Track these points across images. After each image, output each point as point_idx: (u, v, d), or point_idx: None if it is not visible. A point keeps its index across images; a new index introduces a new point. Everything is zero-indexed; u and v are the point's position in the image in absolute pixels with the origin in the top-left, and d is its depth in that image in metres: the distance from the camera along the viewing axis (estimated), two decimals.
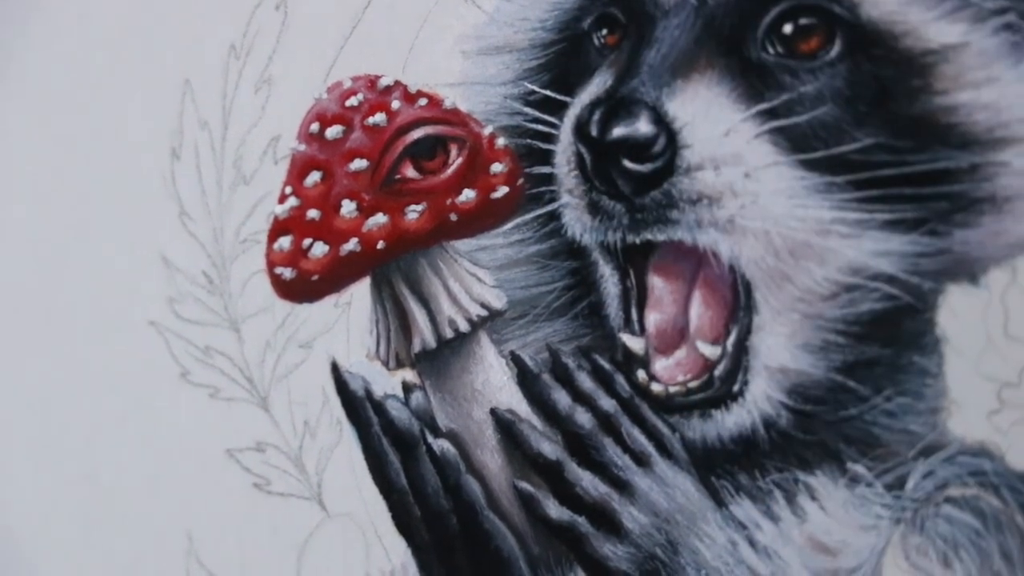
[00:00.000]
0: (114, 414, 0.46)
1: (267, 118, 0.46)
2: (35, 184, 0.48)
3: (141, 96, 0.47)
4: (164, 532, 0.46)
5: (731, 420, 0.43)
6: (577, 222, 0.44)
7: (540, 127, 0.44)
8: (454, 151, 0.44)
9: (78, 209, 0.47)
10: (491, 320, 0.44)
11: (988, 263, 0.41)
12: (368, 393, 0.44)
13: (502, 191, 0.44)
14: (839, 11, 0.41)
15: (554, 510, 0.43)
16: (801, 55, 0.41)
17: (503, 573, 0.43)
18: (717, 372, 0.43)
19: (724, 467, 0.43)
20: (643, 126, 0.41)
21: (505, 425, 0.44)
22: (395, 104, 0.44)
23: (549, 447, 0.44)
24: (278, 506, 0.45)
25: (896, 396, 0.42)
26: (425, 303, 0.44)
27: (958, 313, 0.41)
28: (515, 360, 0.45)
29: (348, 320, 0.45)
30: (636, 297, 0.44)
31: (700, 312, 0.43)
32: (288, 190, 0.44)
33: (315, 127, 0.44)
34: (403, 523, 0.44)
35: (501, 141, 0.44)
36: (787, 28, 0.41)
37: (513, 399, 0.44)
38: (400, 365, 0.44)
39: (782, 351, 0.42)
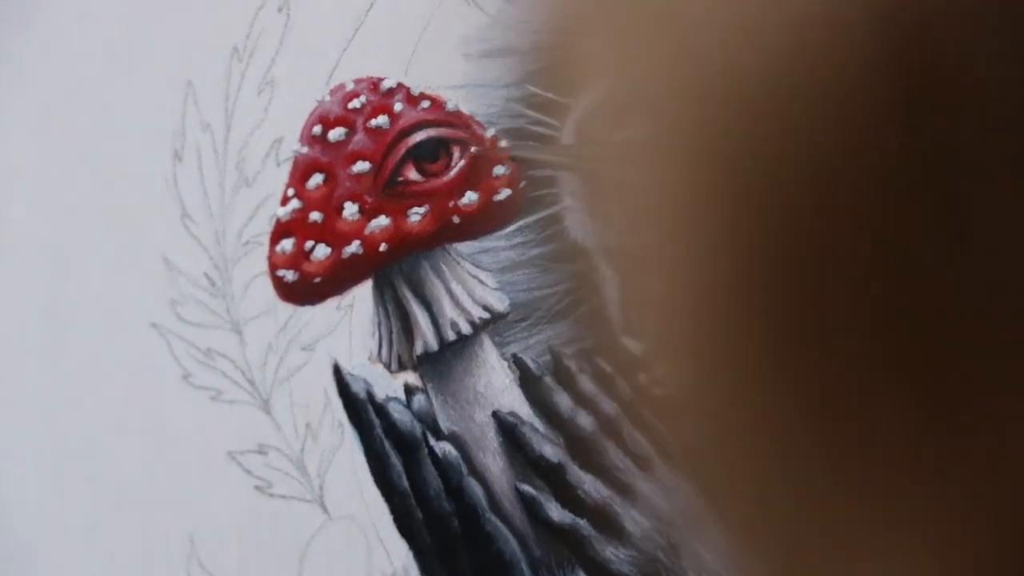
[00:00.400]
0: (115, 416, 0.46)
1: (270, 120, 0.46)
2: (36, 185, 0.48)
3: (143, 98, 0.47)
4: (165, 534, 0.46)
5: None
6: (579, 225, 0.44)
7: (542, 129, 0.44)
8: (456, 153, 0.44)
9: (79, 211, 0.47)
10: (493, 323, 0.44)
11: None
12: (370, 396, 0.44)
13: (504, 193, 0.44)
14: None
15: (556, 513, 0.43)
16: None
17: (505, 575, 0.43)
18: None
19: None
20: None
21: (507, 428, 0.44)
22: (398, 106, 0.44)
23: (551, 450, 0.44)
24: (280, 509, 0.45)
25: None
26: (427, 305, 0.44)
27: None
28: (517, 363, 0.45)
29: (350, 323, 0.45)
30: (638, 300, 0.44)
31: None
32: (290, 192, 0.44)
33: (318, 129, 0.44)
34: (405, 526, 0.44)
35: (503, 144, 0.44)
36: None
37: (515, 402, 0.44)
38: (402, 368, 0.44)
39: None
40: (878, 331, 0.18)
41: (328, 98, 0.44)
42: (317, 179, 0.44)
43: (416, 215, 0.43)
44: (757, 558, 0.21)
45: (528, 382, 0.44)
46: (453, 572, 0.43)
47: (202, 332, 0.46)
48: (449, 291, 0.44)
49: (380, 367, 0.45)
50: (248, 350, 0.46)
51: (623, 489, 0.43)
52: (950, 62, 0.16)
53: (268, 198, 0.45)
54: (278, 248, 0.44)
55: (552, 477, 0.43)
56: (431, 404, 0.45)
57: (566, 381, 0.44)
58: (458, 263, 0.44)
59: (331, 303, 0.45)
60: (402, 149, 0.43)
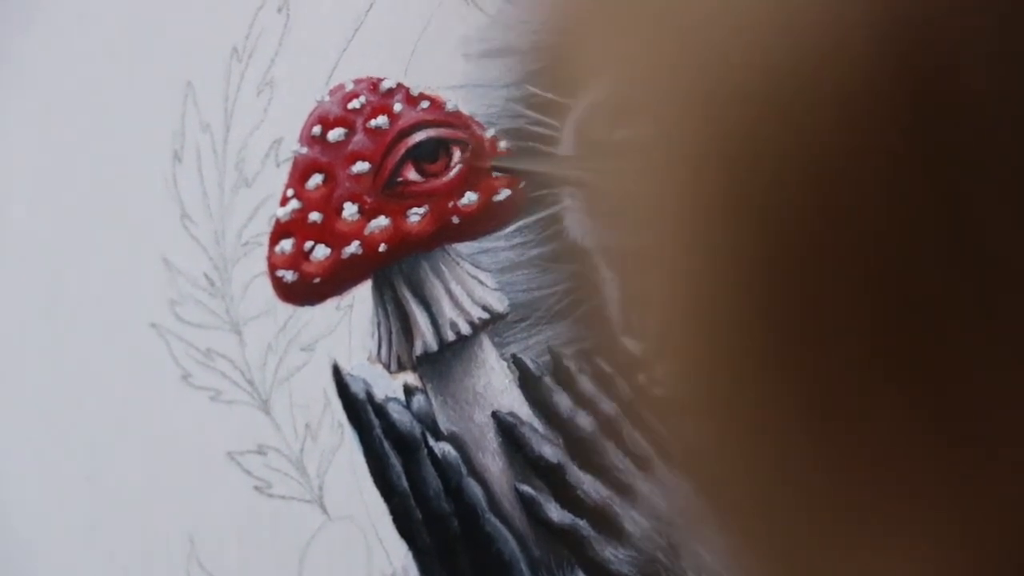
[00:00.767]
0: (115, 416, 0.46)
1: (269, 120, 0.46)
2: (35, 185, 0.48)
3: (142, 98, 0.47)
4: (165, 534, 0.46)
5: None
6: (579, 225, 0.44)
7: (542, 130, 0.44)
8: (456, 154, 0.44)
9: (79, 211, 0.47)
10: (493, 323, 0.44)
11: None
12: (369, 396, 0.44)
13: (504, 194, 0.44)
14: None
15: (555, 513, 0.43)
16: None
17: None
18: None
19: None
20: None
21: (507, 428, 0.44)
22: (397, 107, 0.44)
23: (550, 450, 0.44)
24: (279, 509, 0.45)
25: None
26: (427, 306, 0.44)
27: None
28: (517, 363, 0.45)
29: (350, 323, 0.45)
30: (638, 301, 0.44)
31: None
32: (290, 193, 0.44)
33: (317, 130, 0.44)
34: (404, 526, 0.44)
35: (503, 143, 0.44)
36: None
37: (515, 402, 0.44)
38: (402, 368, 0.44)
39: None
40: (878, 332, 0.18)
41: (327, 98, 0.44)
42: (316, 179, 0.44)
43: (415, 215, 0.43)
44: (757, 558, 0.21)
45: (527, 382, 0.44)
46: (453, 572, 0.43)
47: (201, 332, 0.46)
48: (448, 291, 0.44)
49: (379, 367, 0.45)
50: (247, 350, 0.46)
51: (623, 489, 0.43)
52: (954, 62, 0.16)
53: (267, 198, 0.45)
54: (277, 248, 0.44)
55: (552, 477, 0.43)
56: (430, 404, 0.45)
57: (566, 381, 0.44)
58: (457, 263, 0.44)
59: (330, 303, 0.45)
60: (401, 149, 0.43)
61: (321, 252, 0.43)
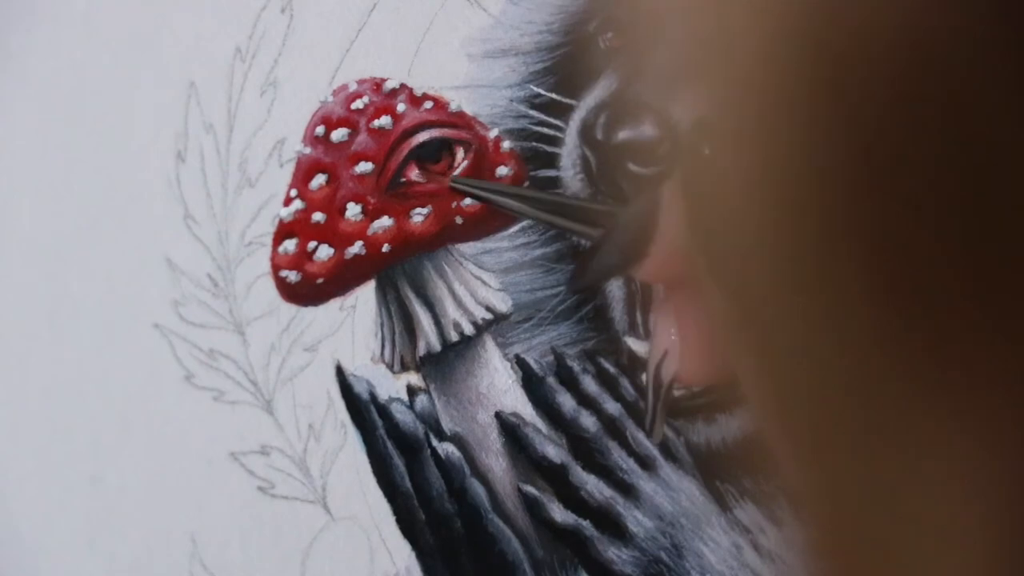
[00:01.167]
0: (118, 417, 0.46)
1: (272, 121, 0.46)
2: (39, 186, 0.48)
3: (146, 99, 0.47)
4: (168, 535, 0.46)
5: (736, 424, 0.43)
6: None
7: (546, 130, 0.44)
8: (459, 154, 0.44)
9: (82, 212, 0.47)
10: (496, 323, 0.44)
11: None
12: (373, 396, 0.44)
13: None
14: None
15: (559, 513, 0.43)
16: None
17: None
18: None
19: (728, 471, 0.43)
20: (648, 129, 0.41)
21: (510, 428, 0.44)
22: (400, 107, 0.44)
23: (554, 450, 0.44)
24: (282, 509, 0.45)
25: None
26: (430, 306, 0.44)
27: None
28: (520, 363, 0.45)
29: (353, 323, 0.45)
30: (641, 300, 0.44)
31: None
32: (293, 193, 0.44)
33: (320, 130, 0.44)
34: (408, 526, 0.44)
35: (507, 144, 0.44)
36: None
37: (518, 402, 0.44)
38: (405, 368, 0.44)
39: None
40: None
41: (331, 99, 0.45)
42: (320, 180, 0.44)
43: (419, 216, 0.43)
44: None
45: (531, 383, 0.44)
46: (455, 573, 0.43)
47: (205, 333, 0.46)
48: (452, 292, 0.44)
49: (383, 368, 0.45)
50: (251, 351, 0.46)
51: (626, 490, 0.43)
52: None
53: (271, 199, 0.45)
54: (281, 249, 0.44)
55: (555, 478, 0.43)
56: (434, 405, 0.44)
57: (569, 382, 0.44)
58: (461, 264, 0.44)
59: (334, 304, 0.45)
60: (405, 150, 0.43)
61: (324, 252, 0.43)
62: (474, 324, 0.44)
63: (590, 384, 0.44)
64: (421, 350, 0.44)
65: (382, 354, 0.44)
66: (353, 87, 0.44)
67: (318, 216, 0.43)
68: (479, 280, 0.44)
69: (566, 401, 0.44)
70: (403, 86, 0.44)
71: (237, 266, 0.46)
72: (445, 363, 0.44)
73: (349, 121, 0.44)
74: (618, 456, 0.43)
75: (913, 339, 0.18)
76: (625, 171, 0.41)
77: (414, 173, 0.43)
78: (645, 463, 0.43)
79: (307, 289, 0.44)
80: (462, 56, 0.45)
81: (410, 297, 0.44)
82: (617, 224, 0.27)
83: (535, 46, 0.45)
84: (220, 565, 0.45)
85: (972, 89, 0.17)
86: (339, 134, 0.44)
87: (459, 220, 0.43)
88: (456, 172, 0.43)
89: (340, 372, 0.45)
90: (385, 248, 0.43)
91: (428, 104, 0.44)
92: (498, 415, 0.44)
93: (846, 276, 0.18)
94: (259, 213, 0.45)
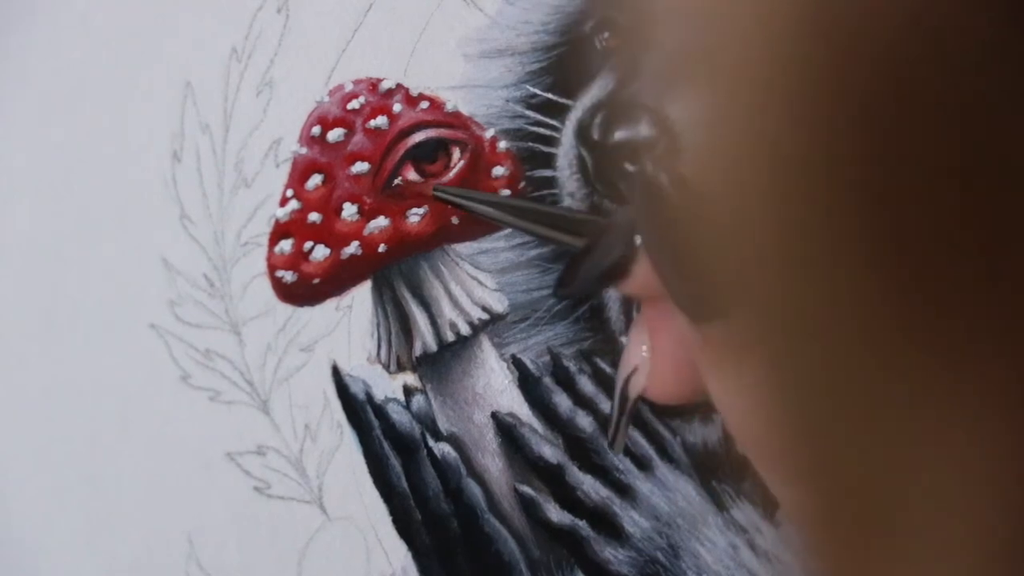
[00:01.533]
0: (114, 417, 0.46)
1: (268, 121, 0.46)
2: (35, 186, 0.48)
3: (142, 99, 0.47)
4: (164, 535, 0.46)
5: None
6: None
7: (542, 130, 0.44)
8: (456, 154, 0.44)
9: (78, 212, 0.47)
10: (492, 323, 0.44)
11: None
12: (369, 396, 0.44)
13: (504, 194, 0.44)
14: None
15: (555, 514, 0.43)
16: None
17: None
18: None
19: (725, 471, 0.43)
20: (645, 129, 0.41)
21: (506, 429, 0.44)
22: (397, 107, 0.44)
23: (550, 451, 0.44)
24: (278, 510, 0.45)
25: None
26: (426, 306, 0.44)
27: None
28: (516, 364, 0.45)
29: (349, 323, 0.45)
30: (638, 301, 0.44)
31: None
32: (289, 193, 0.44)
33: (316, 130, 0.44)
34: (404, 527, 0.44)
35: (503, 144, 0.44)
36: None
37: (514, 403, 0.44)
38: (401, 368, 0.44)
39: None
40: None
41: (327, 99, 0.44)
42: (316, 180, 0.44)
43: (415, 216, 0.43)
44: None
45: (527, 383, 0.44)
46: (452, 573, 0.43)
47: (201, 333, 0.46)
48: (448, 292, 0.44)
49: (379, 368, 0.45)
50: (247, 351, 0.46)
51: (622, 490, 0.43)
52: None
53: (267, 199, 0.45)
54: (277, 249, 0.44)
55: (551, 478, 0.43)
56: (430, 405, 0.44)
57: (565, 382, 0.44)
58: (457, 264, 0.44)
59: (330, 304, 0.45)
60: (401, 150, 0.43)
61: (320, 252, 0.43)
62: (470, 324, 0.44)
63: (586, 384, 0.44)
64: (417, 350, 0.44)
65: (378, 354, 0.44)
66: (349, 87, 0.44)
67: (314, 216, 0.43)
68: (475, 280, 0.44)
69: (562, 401, 0.44)
70: (399, 86, 0.44)
71: (233, 266, 0.46)
72: (441, 363, 0.44)
73: (345, 121, 0.44)
74: (614, 456, 0.43)
75: (928, 345, 0.18)
76: (621, 171, 0.41)
77: (410, 173, 0.43)
78: (641, 463, 0.43)
79: (303, 289, 0.44)
80: (458, 56, 0.45)
81: (406, 297, 0.44)
82: (600, 238, 0.27)
83: (531, 46, 0.45)
84: (217, 565, 0.45)
85: (982, 88, 0.17)
86: (335, 134, 0.44)
87: (455, 220, 0.43)
88: (452, 173, 0.43)
89: (336, 372, 0.45)
90: (381, 248, 0.43)
91: (424, 104, 0.44)
92: (494, 415, 0.44)
93: (857, 280, 0.18)
94: (255, 213, 0.45)
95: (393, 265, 0.44)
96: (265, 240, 0.45)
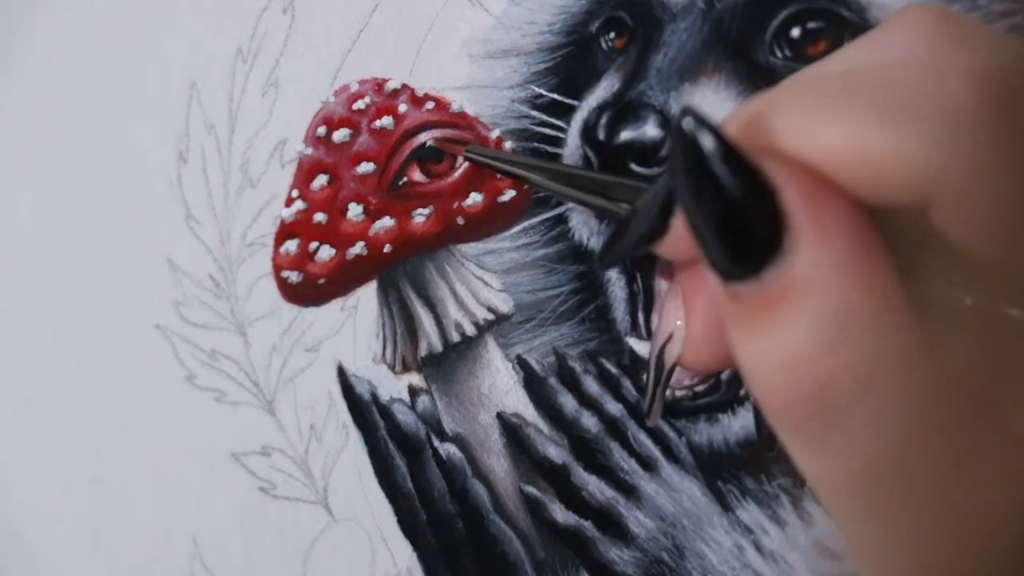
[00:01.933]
0: (120, 417, 0.46)
1: (274, 121, 0.46)
2: (40, 186, 0.48)
3: (147, 99, 0.47)
4: (169, 535, 0.46)
5: (738, 424, 0.43)
6: (584, 226, 0.44)
7: (547, 130, 0.44)
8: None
9: (84, 212, 0.47)
10: (498, 324, 0.44)
11: None
12: (374, 397, 0.44)
13: (509, 195, 0.44)
14: (848, 15, 0.41)
15: (560, 514, 0.43)
16: (809, 59, 0.41)
17: None
18: (724, 376, 0.43)
19: (730, 471, 0.43)
20: (650, 130, 0.41)
21: (511, 429, 0.44)
22: (402, 107, 0.44)
23: (555, 451, 0.44)
24: (284, 510, 0.45)
25: None
26: (432, 307, 0.44)
27: None
28: (521, 364, 0.45)
29: (354, 324, 0.45)
30: (643, 301, 0.44)
31: None
32: (295, 194, 0.44)
33: (322, 130, 0.44)
34: (409, 527, 0.44)
35: (508, 144, 0.44)
36: (795, 32, 0.41)
37: (519, 403, 0.44)
38: (406, 369, 0.44)
39: None
40: None
41: (332, 99, 0.45)
42: (321, 180, 0.44)
43: (420, 216, 0.43)
44: None
45: (532, 383, 0.44)
46: (457, 574, 0.43)
47: (206, 333, 0.46)
48: (453, 292, 0.44)
49: (384, 368, 0.45)
50: (252, 351, 0.46)
51: (628, 490, 0.43)
52: None
53: (272, 199, 0.45)
54: (282, 249, 0.44)
55: (556, 478, 0.43)
56: (435, 405, 0.44)
57: (570, 382, 0.44)
58: (462, 264, 0.44)
59: (335, 304, 0.45)
60: (406, 150, 0.43)
61: (326, 253, 0.43)
62: (476, 325, 0.44)
63: (592, 385, 0.44)
64: (423, 351, 0.44)
65: (384, 355, 0.44)
66: (355, 87, 0.44)
67: (320, 217, 0.43)
68: (481, 281, 0.44)
69: (568, 402, 0.44)
70: (405, 86, 0.44)
71: (239, 267, 0.46)
72: (447, 364, 0.44)
73: (351, 122, 0.44)
74: (619, 457, 0.43)
75: None
76: (627, 171, 0.41)
77: (416, 173, 0.43)
78: (647, 464, 0.43)
79: (308, 290, 0.44)
80: (464, 57, 0.45)
81: (412, 298, 0.44)
82: (641, 201, 0.27)
83: (537, 47, 0.45)
84: (221, 566, 0.45)
85: None
86: (341, 134, 0.44)
87: (461, 221, 0.43)
88: (457, 173, 0.43)
89: (342, 373, 0.45)
90: (387, 249, 0.43)
91: (430, 104, 0.44)
92: (500, 416, 0.44)
93: None
94: (260, 214, 0.45)
95: (398, 265, 0.44)
96: (271, 240, 0.45)
